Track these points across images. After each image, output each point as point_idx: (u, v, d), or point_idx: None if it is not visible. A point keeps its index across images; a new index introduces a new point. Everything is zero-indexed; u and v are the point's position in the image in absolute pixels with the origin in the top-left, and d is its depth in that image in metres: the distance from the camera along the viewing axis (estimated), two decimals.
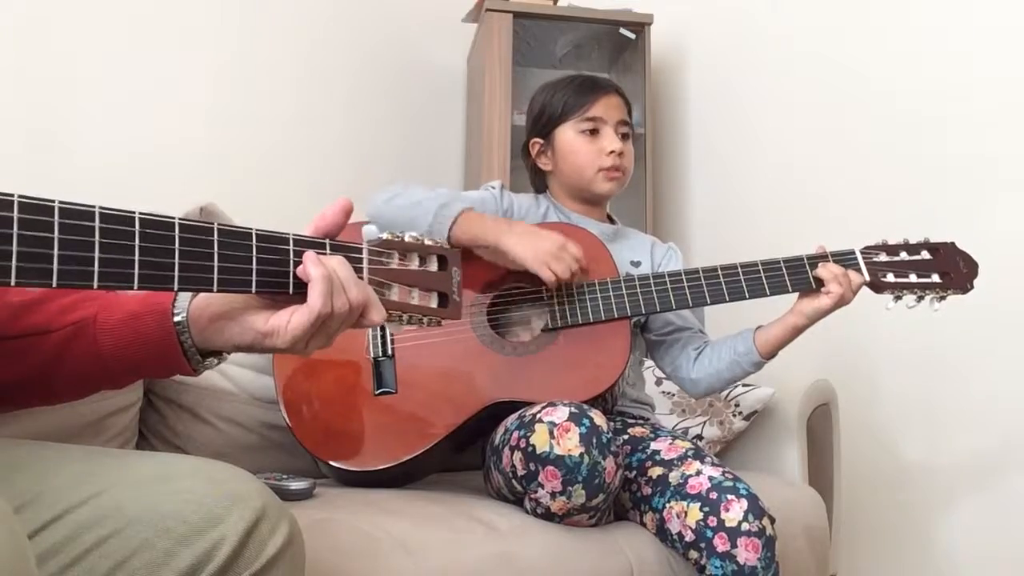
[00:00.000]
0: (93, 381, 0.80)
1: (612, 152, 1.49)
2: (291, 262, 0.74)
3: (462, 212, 1.34)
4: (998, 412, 1.71)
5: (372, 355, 1.35)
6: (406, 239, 0.83)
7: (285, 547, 0.67)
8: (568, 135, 1.52)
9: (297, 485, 1.20)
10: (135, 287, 0.65)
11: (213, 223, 0.70)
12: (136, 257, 0.65)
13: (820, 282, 1.35)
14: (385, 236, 0.82)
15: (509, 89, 2.39)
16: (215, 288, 0.69)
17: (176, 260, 0.67)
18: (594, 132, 1.50)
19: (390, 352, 1.36)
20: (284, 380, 1.37)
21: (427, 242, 0.85)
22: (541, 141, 1.56)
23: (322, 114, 2.54)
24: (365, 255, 0.80)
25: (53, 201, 0.61)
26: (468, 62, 2.76)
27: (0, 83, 2.06)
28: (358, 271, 0.79)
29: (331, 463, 1.31)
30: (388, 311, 0.80)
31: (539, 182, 1.62)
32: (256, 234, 0.72)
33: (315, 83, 2.54)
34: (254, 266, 0.72)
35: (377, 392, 1.34)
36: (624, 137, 1.53)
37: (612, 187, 1.52)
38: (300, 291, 0.74)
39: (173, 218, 0.68)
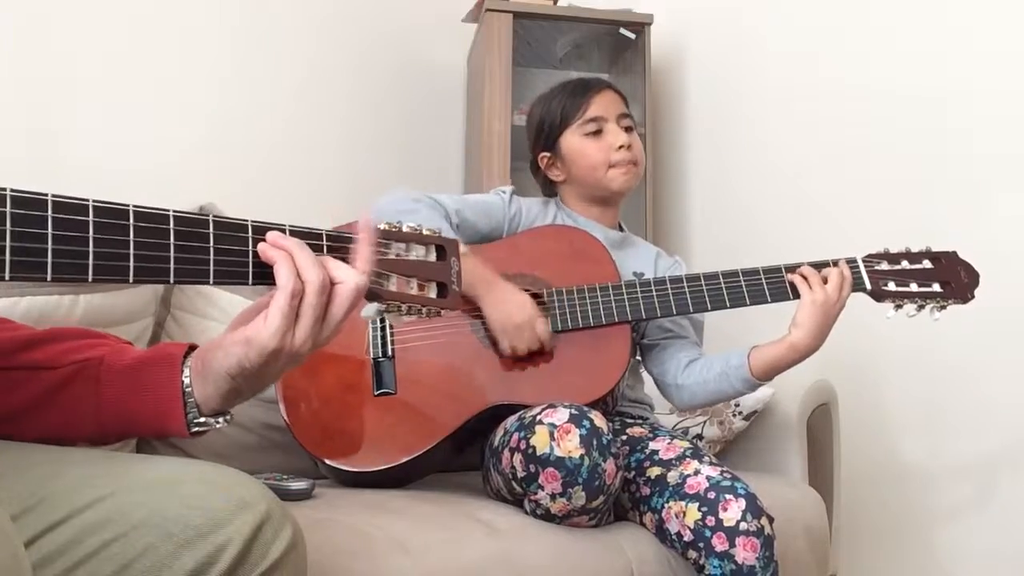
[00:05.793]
0: (80, 427, 0.78)
1: (620, 147, 1.49)
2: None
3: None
4: (998, 412, 1.71)
5: (372, 356, 1.36)
6: (403, 229, 0.82)
7: (288, 551, 0.67)
8: (573, 140, 1.52)
9: (297, 485, 1.20)
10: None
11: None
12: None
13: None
14: (382, 226, 0.81)
15: (509, 89, 2.39)
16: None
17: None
18: (598, 132, 1.50)
19: (390, 353, 1.36)
20: (284, 379, 1.37)
21: (425, 231, 0.83)
22: (548, 154, 1.56)
23: (322, 114, 2.54)
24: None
25: (46, 194, 0.61)
26: (468, 62, 2.76)
27: (0, 83, 2.06)
28: (350, 259, 0.77)
29: (330, 463, 1.31)
30: (386, 301, 0.79)
31: (552, 193, 1.61)
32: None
33: (315, 83, 2.54)
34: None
35: (377, 393, 1.34)
36: (628, 130, 1.53)
37: (627, 180, 1.51)
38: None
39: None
